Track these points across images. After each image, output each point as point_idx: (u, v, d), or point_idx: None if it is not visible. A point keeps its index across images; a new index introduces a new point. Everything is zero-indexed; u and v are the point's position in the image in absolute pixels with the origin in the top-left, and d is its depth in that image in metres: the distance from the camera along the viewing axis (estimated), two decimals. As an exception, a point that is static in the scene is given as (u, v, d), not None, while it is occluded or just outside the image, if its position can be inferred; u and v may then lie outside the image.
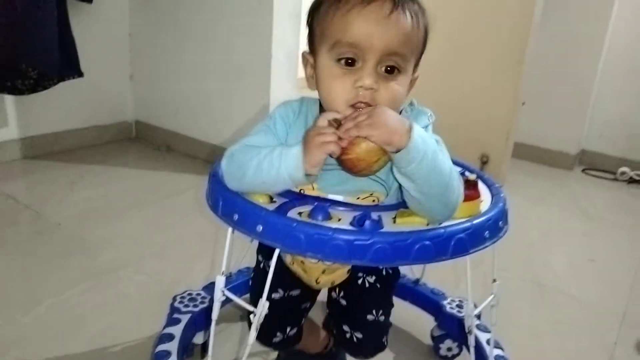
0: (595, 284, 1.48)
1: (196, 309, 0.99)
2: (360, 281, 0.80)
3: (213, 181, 0.70)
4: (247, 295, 0.90)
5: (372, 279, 0.80)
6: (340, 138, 0.60)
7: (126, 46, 2.28)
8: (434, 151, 0.60)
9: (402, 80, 0.66)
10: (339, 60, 0.64)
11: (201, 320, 0.98)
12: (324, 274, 0.77)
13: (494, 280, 0.78)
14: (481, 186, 0.78)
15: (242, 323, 1.10)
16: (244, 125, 1.97)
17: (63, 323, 1.06)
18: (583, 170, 2.66)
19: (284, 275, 0.79)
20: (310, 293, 0.84)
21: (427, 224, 0.63)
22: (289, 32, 1.86)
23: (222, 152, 0.69)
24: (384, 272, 0.81)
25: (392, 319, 0.84)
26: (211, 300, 0.99)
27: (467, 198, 0.66)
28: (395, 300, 0.87)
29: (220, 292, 0.69)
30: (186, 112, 2.19)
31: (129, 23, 2.25)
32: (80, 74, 1.82)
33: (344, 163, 0.61)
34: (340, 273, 0.78)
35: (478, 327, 0.99)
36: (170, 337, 0.90)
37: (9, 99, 1.90)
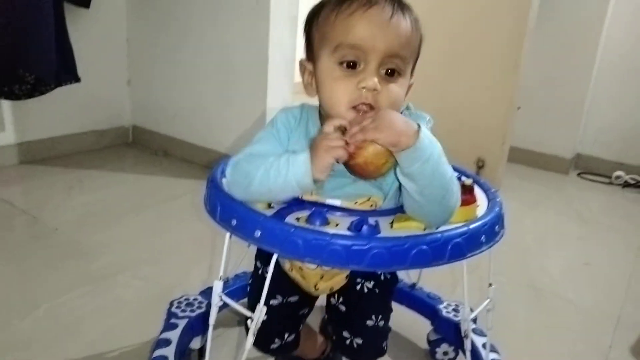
0: (590, 288, 1.49)
1: (193, 314, 0.99)
2: (359, 287, 0.80)
3: (211, 187, 0.71)
4: (245, 300, 0.90)
5: (370, 284, 0.81)
6: (347, 143, 0.60)
7: (123, 51, 2.28)
8: (439, 154, 0.61)
9: (402, 82, 0.67)
10: (341, 63, 0.65)
11: (198, 325, 0.98)
12: (322, 280, 0.77)
13: (490, 285, 0.79)
14: (477, 191, 0.79)
15: (240, 328, 1.10)
16: (242, 130, 1.98)
17: (60, 328, 1.06)
18: (578, 175, 2.67)
19: (283, 282, 0.80)
20: (309, 299, 0.85)
21: (424, 229, 0.64)
22: (286, 36, 1.87)
23: (220, 157, 0.70)
24: (382, 277, 0.81)
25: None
26: (208, 305, 0.99)
27: (464, 203, 0.67)
28: (392, 304, 0.88)
29: (217, 297, 0.69)
30: (183, 117, 2.19)
31: (126, 28, 2.26)
32: (77, 79, 1.82)
33: (353, 168, 0.62)
34: (338, 279, 0.78)
35: (474, 331, 0.99)
36: (167, 342, 0.90)
37: (6, 104, 1.90)
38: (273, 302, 0.80)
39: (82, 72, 1.83)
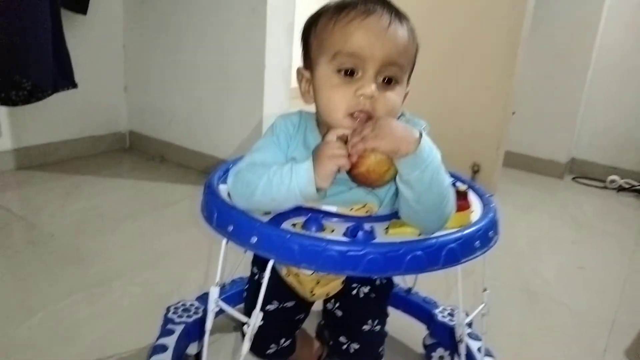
0: (585, 292, 1.50)
1: (190, 320, 0.99)
2: (354, 292, 0.81)
3: (208, 193, 0.71)
4: (241, 306, 0.91)
5: (366, 289, 0.81)
6: (349, 154, 0.61)
7: (120, 57, 2.29)
8: (439, 162, 0.62)
9: (399, 90, 0.68)
10: (339, 71, 0.66)
11: (195, 331, 0.98)
12: (318, 286, 0.78)
13: (485, 289, 0.79)
14: (472, 196, 0.79)
15: (236, 334, 1.10)
16: (239, 136, 1.98)
17: (56, 334, 1.06)
18: (573, 179, 2.69)
19: (279, 287, 0.80)
20: (305, 304, 0.85)
21: (419, 235, 0.64)
22: (283, 42, 1.88)
23: (217, 162, 0.70)
24: (378, 282, 0.82)
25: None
26: (205, 311, 0.99)
27: (458, 208, 0.68)
28: (388, 309, 0.88)
29: (214, 303, 0.70)
30: (180, 123, 2.20)
31: (123, 34, 2.27)
32: (74, 85, 1.83)
33: (356, 178, 0.62)
34: (334, 284, 0.79)
35: (469, 335, 1.00)
36: (163, 348, 0.90)
37: (2, 110, 1.90)
38: (269, 307, 0.80)
39: (79, 78, 1.84)
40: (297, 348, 0.89)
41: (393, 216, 0.68)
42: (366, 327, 0.81)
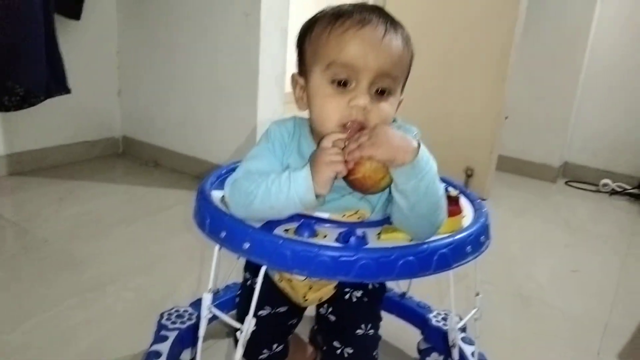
0: (578, 295, 1.50)
1: (183, 326, 0.99)
2: (347, 296, 0.81)
3: (200, 199, 0.72)
4: (235, 312, 0.91)
5: (359, 294, 0.81)
6: (345, 160, 0.61)
7: (114, 62, 2.29)
8: (435, 172, 0.62)
9: (392, 101, 0.68)
10: (333, 81, 0.66)
11: (188, 337, 0.98)
12: (311, 291, 0.78)
13: (477, 294, 0.80)
14: (464, 201, 0.80)
15: (230, 339, 1.10)
16: (233, 140, 1.98)
17: (50, 340, 1.06)
18: (566, 183, 2.70)
19: (272, 293, 0.80)
20: (297, 310, 0.85)
21: (411, 240, 0.65)
22: (277, 46, 1.88)
23: (211, 167, 0.70)
24: (370, 287, 0.82)
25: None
26: (199, 317, 0.99)
27: (449, 214, 0.68)
28: (382, 313, 0.89)
29: (207, 309, 0.70)
30: (174, 128, 2.20)
31: (116, 39, 2.26)
32: (67, 91, 1.82)
33: (352, 183, 0.63)
34: (327, 289, 0.79)
35: (463, 339, 1.00)
36: (157, 355, 0.90)
37: (-5, 115, 1.89)
38: (262, 312, 0.80)
39: (73, 83, 1.83)
40: (290, 353, 0.89)
41: (385, 222, 0.69)
42: (360, 332, 0.81)
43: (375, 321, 0.84)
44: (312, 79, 0.68)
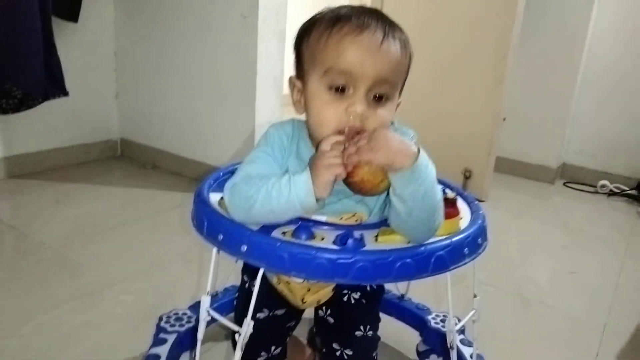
0: (577, 296, 1.51)
1: (182, 329, 0.99)
2: (345, 298, 0.81)
3: (198, 202, 0.72)
4: (233, 314, 0.91)
5: (357, 295, 0.81)
6: (345, 163, 0.61)
7: (112, 65, 2.29)
8: (434, 177, 0.62)
9: (390, 107, 0.68)
10: (330, 87, 0.65)
11: (187, 340, 0.98)
12: (309, 293, 0.78)
13: (475, 296, 0.80)
14: (461, 203, 0.80)
15: (228, 342, 1.10)
16: (231, 143, 1.98)
17: (48, 344, 1.06)
18: (564, 184, 2.71)
19: (270, 295, 0.80)
20: (296, 312, 0.85)
21: (408, 242, 0.65)
22: (274, 49, 1.89)
23: (209, 169, 0.70)
24: (368, 288, 0.82)
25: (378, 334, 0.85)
26: (197, 320, 0.99)
27: (447, 216, 0.68)
28: (381, 315, 0.89)
29: (205, 312, 0.70)
30: (172, 130, 2.20)
31: (114, 42, 2.27)
32: (65, 93, 1.82)
33: (351, 186, 0.63)
34: (325, 292, 0.79)
35: (462, 341, 1.00)
36: (156, 357, 0.90)
37: (-7, 118, 1.89)
38: (260, 315, 0.80)
39: (71, 86, 1.83)
40: (288, 354, 0.89)
41: (382, 224, 0.69)
42: (359, 333, 0.81)
43: (374, 322, 0.84)
44: (310, 83, 0.68)
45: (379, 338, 0.85)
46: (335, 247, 0.61)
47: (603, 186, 2.60)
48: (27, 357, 1.02)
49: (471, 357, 0.93)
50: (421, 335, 1.09)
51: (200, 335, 0.72)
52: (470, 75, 2.19)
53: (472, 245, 0.67)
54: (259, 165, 0.69)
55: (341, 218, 0.69)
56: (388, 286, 1.11)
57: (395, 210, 0.63)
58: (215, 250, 0.69)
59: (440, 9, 2.23)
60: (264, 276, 0.62)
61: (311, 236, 0.64)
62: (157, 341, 0.95)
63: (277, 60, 1.91)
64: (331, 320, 0.83)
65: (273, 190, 0.62)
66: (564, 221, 2.18)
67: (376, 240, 0.65)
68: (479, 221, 0.72)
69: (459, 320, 0.79)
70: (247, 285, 0.85)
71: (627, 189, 2.56)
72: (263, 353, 0.82)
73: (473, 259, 0.67)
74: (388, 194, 0.64)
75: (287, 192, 0.62)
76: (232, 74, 1.93)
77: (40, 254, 1.43)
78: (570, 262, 1.75)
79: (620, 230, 2.12)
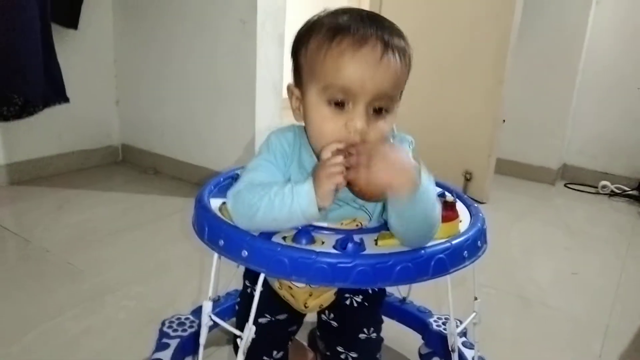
0: (579, 297, 1.50)
1: (185, 334, 0.99)
2: (348, 302, 0.81)
3: (198, 207, 0.72)
4: (235, 319, 0.91)
5: (359, 299, 0.82)
6: (347, 167, 0.60)
7: (112, 71, 2.30)
8: (433, 199, 0.61)
9: (390, 119, 0.68)
10: (330, 102, 0.65)
11: (190, 345, 0.98)
12: (311, 298, 0.78)
13: (475, 298, 0.80)
14: (460, 206, 0.80)
15: (231, 347, 1.10)
16: (231, 147, 1.99)
17: (51, 350, 1.06)
18: (565, 185, 2.71)
19: (272, 300, 0.80)
20: (297, 316, 0.85)
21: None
22: (273, 53, 1.89)
23: (210, 174, 0.70)
24: (370, 291, 0.82)
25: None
26: (200, 325, 0.99)
27: (446, 219, 0.68)
28: (383, 318, 0.89)
29: (207, 317, 0.70)
30: (172, 135, 2.21)
31: (114, 48, 2.28)
32: (66, 100, 1.83)
33: (352, 191, 0.62)
34: (327, 296, 0.79)
35: (464, 344, 1.00)
36: (159, 362, 0.90)
37: (-6, 125, 1.90)
38: (262, 320, 0.80)
39: (71, 92, 1.84)
40: (290, 357, 0.89)
41: (382, 228, 0.69)
42: (363, 336, 0.82)
43: (378, 324, 0.85)
44: (309, 95, 0.68)
45: (382, 339, 0.85)
46: (335, 251, 0.62)
47: (604, 187, 2.60)
48: (30, 364, 1.02)
49: (473, 359, 0.93)
50: (423, 338, 1.10)
51: (202, 340, 0.72)
52: (469, 76, 2.19)
53: (471, 248, 0.67)
54: (261, 173, 0.69)
55: (342, 223, 0.70)
56: (389, 289, 1.11)
57: (391, 224, 0.63)
58: (216, 255, 0.69)
59: (438, 11, 2.23)
60: (266, 281, 0.63)
61: (311, 240, 0.64)
62: (160, 346, 0.96)
63: (276, 65, 1.92)
64: (334, 324, 0.84)
65: (276, 199, 0.62)
66: (565, 222, 2.17)
67: (376, 244, 0.65)
68: (479, 224, 0.72)
69: (460, 323, 0.79)
70: (249, 290, 0.86)
71: (628, 189, 2.56)
72: (265, 357, 0.82)
73: (473, 262, 0.67)
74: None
75: (290, 201, 0.62)
76: (232, 78, 1.93)
77: (42, 260, 1.43)
78: (572, 263, 1.75)
79: (622, 230, 2.12)
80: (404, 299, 1.15)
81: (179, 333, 0.99)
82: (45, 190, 1.96)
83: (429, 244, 0.64)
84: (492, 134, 2.17)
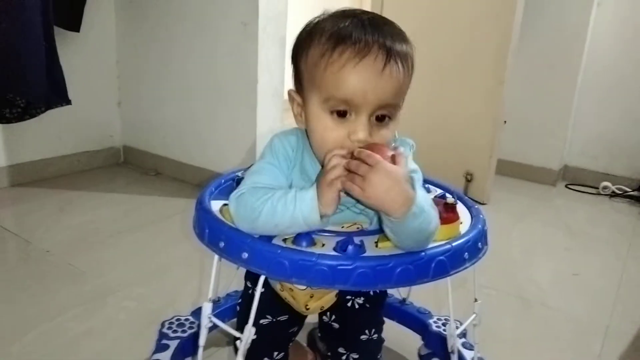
0: (579, 298, 1.51)
1: (185, 335, 1.00)
2: (349, 303, 0.82)
3: (199, 209, 0.72)
4: (235, 320, 0.91)
5: (361, 300, 0.82)
6: (349, 170, 0.60)
7: (114, 73, 2.30)
8: (428, 217, 0.60)
9: (392, 125, 0.67)
10: (332, 112, 0.64)
11: (189, 346, 0.98)
12: (312, 300, 0.78)
13: (476, 300, 0.80)
14: (461, 207, 0.80)
15: (231, 348, 1.10)
16: (233, 148, 1.99)
17: (51, 351, 1.06)
18: (566, 186, 2.70)
19: (273, 302, 0.80)
20: (299, 318, 0.85)
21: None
22: (275, 55, 1.90)
23: (211, 175, 0.70)
24: (371, 293, 0.83)
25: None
26: (199, 326, 0.99)
27: (447, 221, 0.68)
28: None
29: (206, 318, 0.70)
30: (174, 137, 2.21)
31: (116, 50, 2.28)
32: (68, 102, 1.83)
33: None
34: (328, 298, 0.79)
35: (464, 345, 1.00)
36: (159, 364, 0.91)
37: (-4, 127, 1.90)
38: (263, 321, 0.80)
39: (73, 95, 1.85)
40: (290, 358, 0.89)
41: (382, 230, 0.69)
42: (364, 337, 0.82)
43: (379, 325, 0.85)
44: (310, 104, 0.67)
45: (383, 340, 0.86)
46: (335, 253, 0.62)
47: (605, 188, 2.59)
48: (31, 365, 1.02)
49: (473, 360, 0.93)
50: (423, 339, 1.10)
51: (201, 342, 0.72)
52: (470, 78, 2.19)
53: (472, 249, 0.67)
54: (265, 177, 0.69)
55: (342, 227, 0.70)
56: (389, 290, 1.11)
57: (386, 232, 0.63)
58: (216, 257, 0.69)
59: (439, 12, 2.24)
60: (267, 283, 0.63)
61: (312, 243, 0.64)
62: (160, 347, 0.96)
63: (277, 67, 1.92)
64: (336, 325, 0.84)
65: (278, 205, 0.62)
66: (566, 223, 2.17)
67: (376, 246, 0.65)
68: (479, 225, 0.72)
69: (460, 324, 0.79)
70: (250, 291, 0.85)
71: (629, 190, 2.56)
72: (266, 359, 0.82)
73: (473, 264, 0.67)
74: None
75: (293, 208, 0.62)
76: (233, 80, 1.94)
77: (44, 262, 1.44)
78: (572, 264, 1.75)
79: (622, 231, 2.11)
80: (404, 300, 1.15)
81: (179, 334, 1.00)
82: (47, 192, 1.97)
83: (430, 245, 0.64)
84: (493, 135, 2.17)
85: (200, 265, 1.42)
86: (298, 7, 2.49)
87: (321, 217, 0.62)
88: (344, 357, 0.83)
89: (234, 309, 1.05)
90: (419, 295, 1.15)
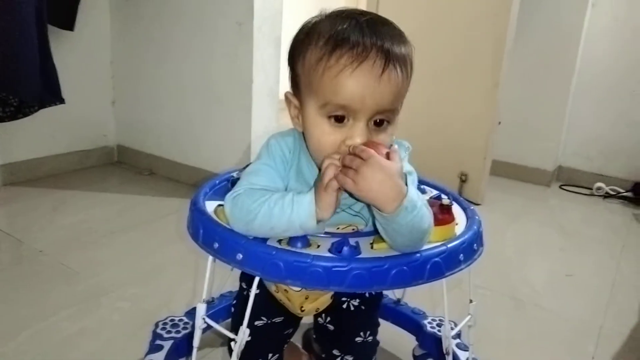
0: (573, 299, 1.51)
1: (179, 335, 0.99)
2: (345, 305, 0.81)
3: (193, 210, 0.72)
4: (229, 321, 0.91)
5: (356, 302, 0.82)
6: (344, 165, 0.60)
7: (108, 72, 2.29)
8: (420, 215, 0.60)
9: (391, 130, 0.66)
10: (329, 117, 0.63)
11: (183, 347, 0.98)
12: (307, 301, 0.78)
13: (471, 301, 0.80)
14: (456, 209, 0.80)
15: (225, 348, 1.10)
16: (227, 148, 1.99)
17: (45, 351, 1.06)
18: (560, 186, 2.71)
19: (268, 303, 0.80)
20: (294, 319, 0.85)
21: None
22: (270, 56, 1.89)
23: (206, 175, 0.70)
24: (367, 295, 0.82)
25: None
26: (194, 326, 0.99)
27: (442, 222, 0.68)
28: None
29: (201, 319, 0.70)
30: (168, 136, 2.20)
31: (110, 49, 2.27)
32: (61, 101, 1.82)
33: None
34: (323, 299, 0.79)
35: (458, 346, 1.00)
36: (153, 364, 0.90)
37: (-12, 126, 1.89)
38: (258, 323, 0.80)
39: (67, 93, 1.83)
40: (285, 359, 0.89)
41: (378, 231, 0.69)
42: (359, 339, 0.82)
43: (374, 328, 0.85)
44: (307, 108, 0.66)
45: (378, 342, 0.86)
46: (330, 255, 0.62)
47: (599, 188, 2.61)
48: (24, 366, 1.02)
49: (467, 361, 0.94)
50: (417, 339, 1.10)
51: (195, 343, 0.72)
52: (465, 79, 2.20)
53: (467, 251, 0.67)
54: (261, 178, 0.68)
55: (337, 228, 0.70)
56: (384, 291, 1.11)
57: (380, 231, 0.63)
58: (210, 258, 0.69)
59: (434, 14, 2.24)
60: (262, 284, 0.63)
61: (307, 244, 0.64)
62: (153, 348, 0.96)
63: (272, 67, 1.91)
64: (331, 327, 0.84)
65: (275, 208, 0.62)
66: (560, 224, 2.18)
67: (372, 247, 0.65)
68: (475, 227, 0.72)
69: (455, 325, 0.79)
70: (245, 292, 0.85)
71: (623, 191, 2.57)
72: (260, 360, 0.82)
73: (469, 265, 0.67)
74: None
75: (290, 212, 0.61)
76: (228, 80, 1.93)
77: (37, 262, 1.43)
78: (566, 265, 1.75)
79: (616, 232, 2.13)
80: (399, 300, 1.15)
81: (173, 335, 0.99)
82: (40, 191, 1.95)
83: (425, 246, 0.64)
84: (488, 136, 2.17)
85: (195, 266, 1.42)
86: (294, 6, 2.49)
87: (318, 221, 0.61)
88: (338, 359, 0.82)
89: (228, 309, 1.05)
90: (413, 296, 1.15)
